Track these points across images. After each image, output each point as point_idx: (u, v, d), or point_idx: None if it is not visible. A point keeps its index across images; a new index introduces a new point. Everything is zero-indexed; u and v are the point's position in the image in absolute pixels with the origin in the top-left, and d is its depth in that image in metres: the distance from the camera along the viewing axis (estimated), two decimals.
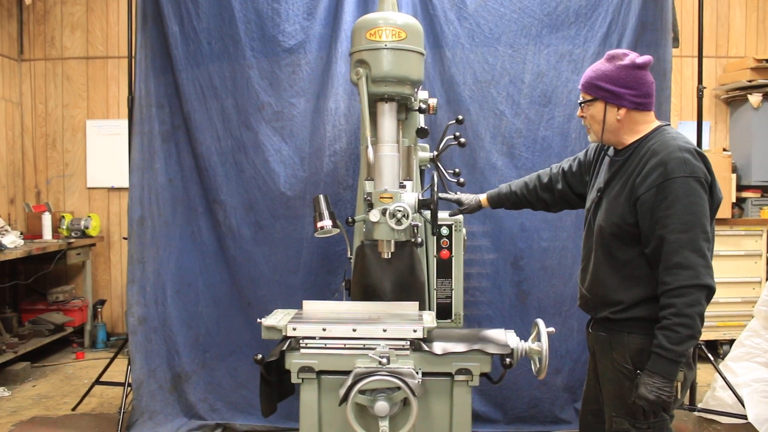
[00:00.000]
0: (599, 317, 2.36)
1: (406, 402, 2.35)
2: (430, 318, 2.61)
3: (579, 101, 2.39)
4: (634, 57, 2.26)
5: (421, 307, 2.84)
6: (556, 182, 2.72)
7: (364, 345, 2.43)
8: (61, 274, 6.20)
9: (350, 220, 2.85)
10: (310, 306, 2.80)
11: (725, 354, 4.89)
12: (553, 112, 3.71)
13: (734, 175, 5.77)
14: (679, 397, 2.26)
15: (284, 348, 2.46)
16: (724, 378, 4.02)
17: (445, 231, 3.10)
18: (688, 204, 2.08)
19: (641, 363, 2.18)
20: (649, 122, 2.30)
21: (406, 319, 2.61)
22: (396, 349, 2.42)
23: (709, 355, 4.26)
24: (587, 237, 2.43)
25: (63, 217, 5.98)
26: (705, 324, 5.28)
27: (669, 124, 2.34)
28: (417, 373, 2.38)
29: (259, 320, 2.58)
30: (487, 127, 3.73)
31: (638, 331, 2.22)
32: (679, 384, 2.21)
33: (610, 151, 2.40)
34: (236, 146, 3.75)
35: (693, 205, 2.08)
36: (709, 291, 2.07)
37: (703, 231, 2.08)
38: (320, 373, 2.46)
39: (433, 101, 3.04)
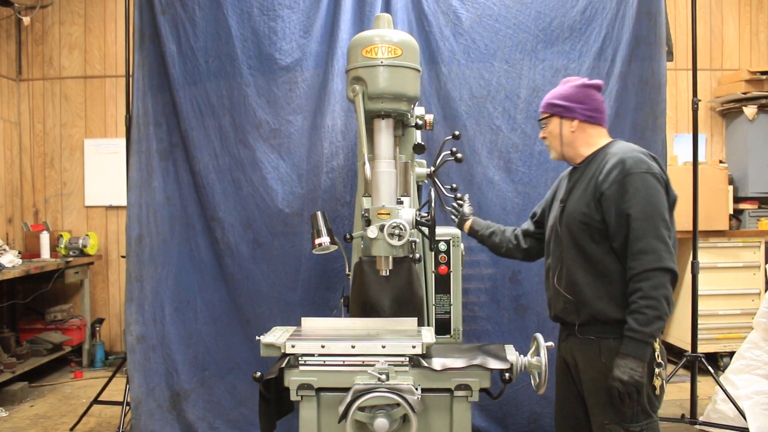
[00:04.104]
0: (583, 321, 2.40)
1: (405, 418, 2.34)
2: (428, 334, 2.60)
3: (538, 119, 2.63)
4: (585, 79, 2.56)
5: (420, 323, 2.83)
6: (530, 228, 2.87)
7: (363, 362, 2.43)
8: (59, 293, 6.18)
9: (348, 236, 2.85)
10: (309, 323, 2.80)
11: (725, 366, 4.88)
12: None
13: (731, 187, 5.79)
14: (658, 395, 2.33)
15: (283, 365, 2.45)
16: (725, 391, 4.01)
17: (443, 246, 3.10)
18: (647, 195, 2.25)
19: None
20: (602, 136, 2.53)
21: (404, 335, 2.61)
22: (395, 365, 2.42)
23: (710, 367, 4.25)
24: (555, 246, 2.53)
25: (61, 236, 5.98)
26: (705, 336, 5.26)
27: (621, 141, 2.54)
28: (416, 389, 2.37)
29: (257, 337, 2.57)
30: (484, 142, 3.74)
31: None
32: (659, 386, 2.30)
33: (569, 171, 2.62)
34: (234, 164, 3.76)
35: (652, 197, 2.25)
36: (673, 275, 2.21)
37: (662, 219, 2.24)
38: (319, 390, 2.45)
39: (429, 117, 3.06)
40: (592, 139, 2.50)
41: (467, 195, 3.11)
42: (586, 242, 2.37)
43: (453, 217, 3.10)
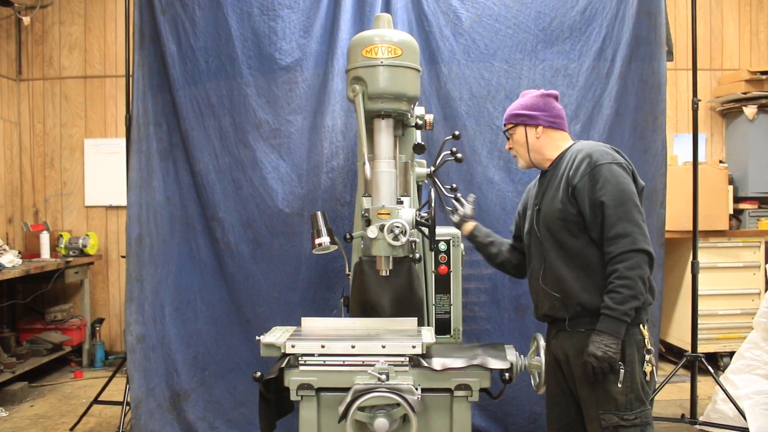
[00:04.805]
0: (572, 315, 2.41)
1: (405, 418, 2.34)
2: (428, 334, 2.60)
3: (503, 131, 2.71)
4: (542, 90, 2.67)
5: (420, 323, 2.84)
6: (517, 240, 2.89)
7: (363, 362, 2.43)
8: (59, 293, 6.18)
9: (348, 236, 2.86)
10: (309, 323, 2.80)
11: (725, 366, 4.88)
12: None
13: (731, 187, 5.79)
14: (649, 380, 2.38)
15: (283, 365, 2.45)
16: (725, 391, 4.01)
17: (443, 246, 3.10)
18: (617, 183, 2.33)
19: (623, 352, 2.30)
20: (566, 139, 2.63)
21: (404, 335, 2.61)
22: (395, 365, 2.42)
23: (710, 367, 4.25)
24: (536, 248, 2.57)
25: (61, 236, 5.97)
26: (705, 336, 5.25)
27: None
28: (416, 389, 2.37)
29: (257, 337, 2.57)
30: (484, 142, 3.75)
31: None
32: (649, 372, 2.36)
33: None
34: (234, 164, 3.76)
35: (621, 184, 2.34)
36: (649, 256, 2.30)
37: (634, 204, 2.33)
38: (319, 390, 2.45)
39: (429, 117, 3.06)
40: (557, 142, 2.59)
41: (472, 196, 3.08)
42: (564, 237, 2.43)
43: (451, 214, 3.06)
